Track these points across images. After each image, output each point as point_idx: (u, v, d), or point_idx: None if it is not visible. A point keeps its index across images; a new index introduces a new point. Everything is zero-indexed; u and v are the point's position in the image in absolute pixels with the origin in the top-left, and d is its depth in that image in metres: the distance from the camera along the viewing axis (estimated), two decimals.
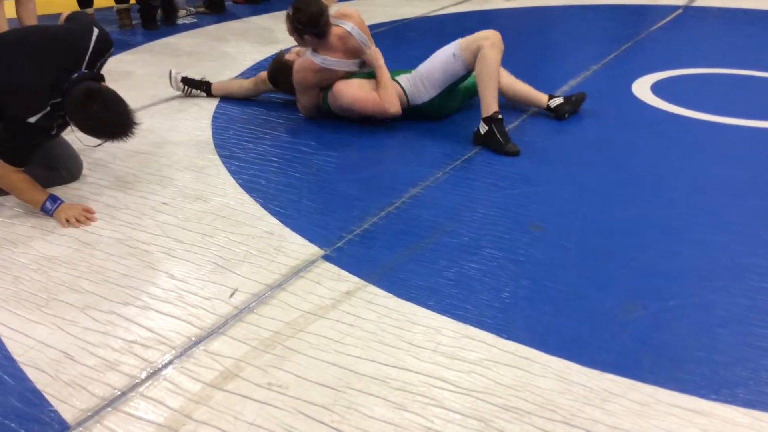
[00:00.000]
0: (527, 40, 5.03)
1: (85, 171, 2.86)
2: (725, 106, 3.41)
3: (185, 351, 1.77)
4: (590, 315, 1.87)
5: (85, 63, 2.46)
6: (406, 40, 4.46)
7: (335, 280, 2.06)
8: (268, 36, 5.37)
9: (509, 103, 3.43)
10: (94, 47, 2.49)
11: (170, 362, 1.73)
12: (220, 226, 2.41)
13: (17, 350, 1.80)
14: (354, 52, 3.27)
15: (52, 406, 1.61)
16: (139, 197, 2.64)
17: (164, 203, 2.59)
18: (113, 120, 2.33)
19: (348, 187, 2.70)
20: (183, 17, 6.02)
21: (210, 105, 3.71)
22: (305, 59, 3.25)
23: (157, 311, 1.94)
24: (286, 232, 2.35)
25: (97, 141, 2.43)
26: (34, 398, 1.63)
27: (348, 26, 3.26)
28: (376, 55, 3.23)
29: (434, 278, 2.06)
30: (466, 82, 3.34)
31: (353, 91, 3.21)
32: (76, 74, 2.40)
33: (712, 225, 2.33)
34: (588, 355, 1.71)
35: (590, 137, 3.13)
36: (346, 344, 1.78)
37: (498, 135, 2.94)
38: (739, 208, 2.43)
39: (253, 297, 1.99)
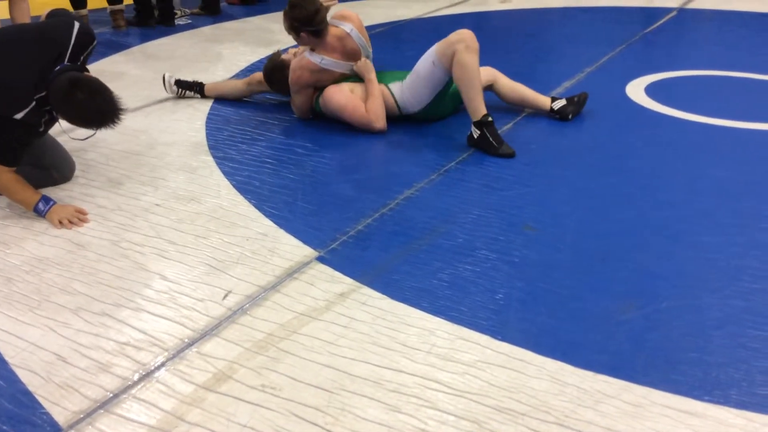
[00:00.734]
0: (522, 42, 5.04)
1: (77, 172, 2.85)
2: (719, 108, 3.42)
3: (178, 353, 1.76)
4: (584, 316, 1.87)
5: (67, 56, 2.44)
6: (403, 42, 4.47)
7: (329, 281, 2.06)
8: (263, 37, 5.36)
9: (503, 105, 3.44)
10: (76, 40, 2.47)
11: (163, 364, 1.72)
12: (213, 227, 2.40)
13: (9, 352, 1.79)
14: (352, 54, 3.27)
15: (44, 408, 1.60)
16: (131, 198, 2.63)
17: (157, 204, 2.58)
18: (99, 107, 2.32)
19: (342, 188, 2.69)
20: (177, 18, 6.00)
21: (204, 106, 3.70)
22: (303, 58, 3.25)
23: (149, 313, 1.93)
24: (280, 233, 2.35)
25: (86, 134, 2.41)
26: (26, 400, 1.62)
27: (347, 28, 3.26)
28: (366, 66, 3.23)
29: (428, 280, 2.05)
30: (458, 92, 3.34)
31: (342, 98, 3.21)
32: (59, 67, 2.39)
33: (706, 226, 2.33)
34: (582, 357, 1.71)
35: (584, 139, 3.13)
36: (339, 346, 1.77)
37: (490, 138, 2.93)
38: (733, 210, 2.43)
39: (246, 299, 1.98)
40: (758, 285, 1.99)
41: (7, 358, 1.76)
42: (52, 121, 2.49)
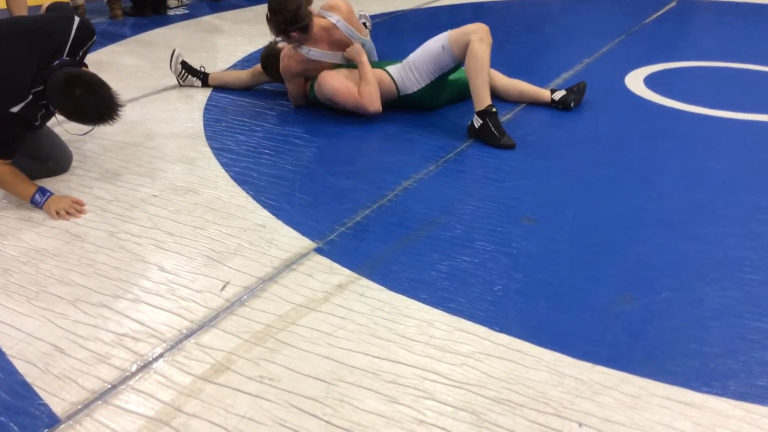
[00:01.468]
0: (521, 33, 5.02)
1: (74, 163, 2.83)
2: (718, 99, 3.41)
3: (176, 344, 1.76)
4: (582, 308, 1.87)
5: (66, 50, 2.43)
6: (401, 32, 4.45)
7: (327, 273, 2.06)
8: (260, 28, 5.33)
9: (501, 97, 3.42)
10: (75, 35, 2.45)
11: (161, 355, 1.72)
12: (211, 218, 2.39)
13: (6, 343, 1.78)
14: (340, 44, 3.26)
15: (41, 399, 1.59)
16: (129, 189, 2.62)
17: (155, 195, 2.57)
18: (97, 103, 2.31)
19: (340, 179, 2.68)
20: (174, 8, 5.97)
21: (202, 97, 3.68)
22: (290, 48, 3.25)
23: (147, 304, 1.93)
24: (279, 224, 2.34)
25: (84, 129, 2.40)
26: (24, 391, 1.62)
27: (334, 18, 3.25)
28: (357, 50, 3.22)
29: (427, 271, 2.05)
30: (458, 82, 3.34)
31: (336, 83, 3.20)
32: (57, 61, 2.38)
33: (704, 218, 2.33)
34: (580, 348, 1.71)
35: (583, 130, 3.13)
36: (338, 337, 1.77)
37: (492, 128, 2.93)
38: (732, 202, 2.43)
39: (244, 290, 1.98)
40: (756, 276, 1.99)
41: (4, 350, 1.76)
42: (48, 116, 2.48)
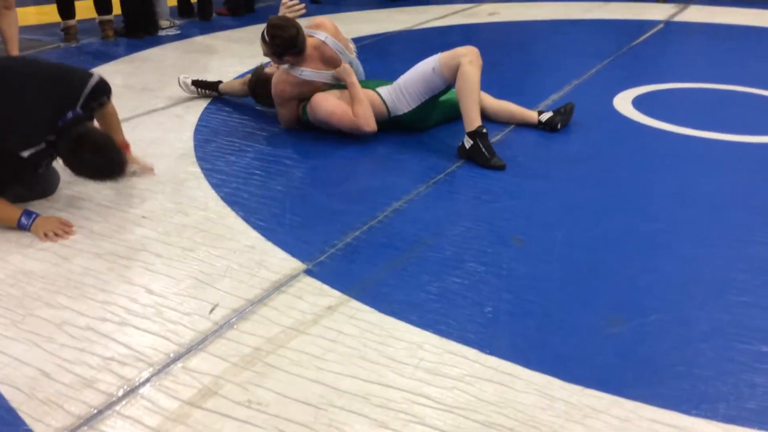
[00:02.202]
0: (510, 55, 5.06)
1: (62, 184, 2.81)
2: (706, 121, 3.44)
3: (163, 368, 1.74)
4: (572, 330, 1.87)
5: (80, 103, 2.47)
6: (390, 54, 4.48)
7: (317, 294, 2.05)
8: (251, 48, 5.35)
9: (491, 118, 3.44)
10: (92, 88, 2.52)
11: (148, 380, 1.71)
12: (200, 240, 2.38)
13: None
14: (331, 61, 3.28)
15: (27, 425, 1.57)
16: (118, 211, 2.61)
17: (144, 217, 2.56)
18: (103, 164, 2.42)
19: (330, 200, 2.68)
20: (167, 28, 5.99)
21: (192, 117, 3.69)
22: (283, 72, 3.26)
23: (135, 327, 1.91)
24: (268, 246, 2.34)
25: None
26: (9, 417, 1.60)
27: (322, 36, 3.27)
28: (346, 71, 3.23)
29: (417, 293, 2.05)
30: (448, 103, 3.36)
31: (330, 105, 3.21)
32: (71, 113, 2.42)
33: (693, 239, 2.34)
34: (570, 371, 1.71)
35: (572, 151, 3.14)
36: (327, 360, 1.76)
37: (483, 149, 2.94)
38: (720, 223, 2.44)
39: (233, 312, 1.97)
40: (745, 298, 2.00)
41: None
42: (51, 162, 2.54)
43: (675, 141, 3.24)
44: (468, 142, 2.99)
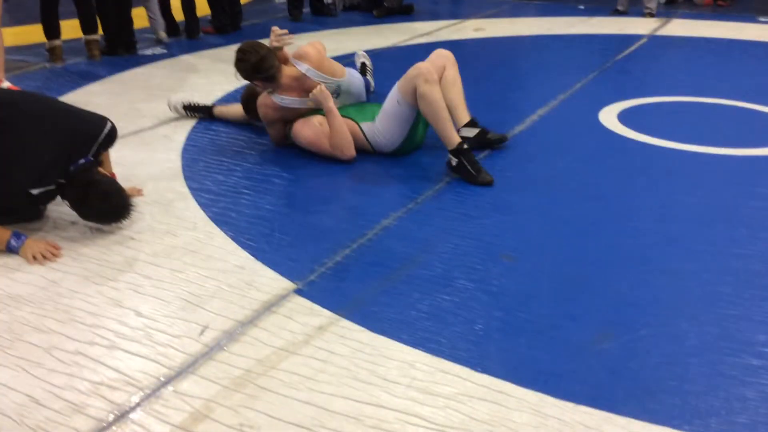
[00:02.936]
0: (496, 70, 5.10)
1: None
2: (691, 135, 3.48)
3: (154, 392, 1.73)
4: (563, 346, 1.87)
5: (92, 151, 2.56)
6: (378, 71, 4.49)
7: (308, 314, 2.04)
8: None
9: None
10: (105, 136, 2.61)
11: (138, 404, 1.69)
12: (189, 260, 2.37)
13: None
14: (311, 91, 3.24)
15: None
16: (105, 232, 2.59)
17: (132, 238, 2.55)
18: (109, 211, 2.53)
19: (320, 218, 2.68)
20: (153, 48, 5.97)
21: (180, 137, 3.68)
22: (266, 96, 3.28)
23: (124, 351, 1.90)
24: (258, 266, 2.33)
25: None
26: None
27: (303, 68, 3.28)
28: (323, 95, 3.15)
29: (407, 311, 2.05)
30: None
31: (307, 133, 3.24)
32: (83, 160, 2.51)
33: (680, 253, 2.35)
34: (562, 387, 1.71)
35: (559, 166, 3.16)
36: (319, 381, 1.75)
37: (468, 166, 2.94)
38: (707, 236, 2.46)
39: (223, 334, 1.96)
40: (733, 311, 2.01)
41: None
42: (51, 201, 2.61)
43: (661, 154, 3.27)
44: (453, 160, 2.99)
